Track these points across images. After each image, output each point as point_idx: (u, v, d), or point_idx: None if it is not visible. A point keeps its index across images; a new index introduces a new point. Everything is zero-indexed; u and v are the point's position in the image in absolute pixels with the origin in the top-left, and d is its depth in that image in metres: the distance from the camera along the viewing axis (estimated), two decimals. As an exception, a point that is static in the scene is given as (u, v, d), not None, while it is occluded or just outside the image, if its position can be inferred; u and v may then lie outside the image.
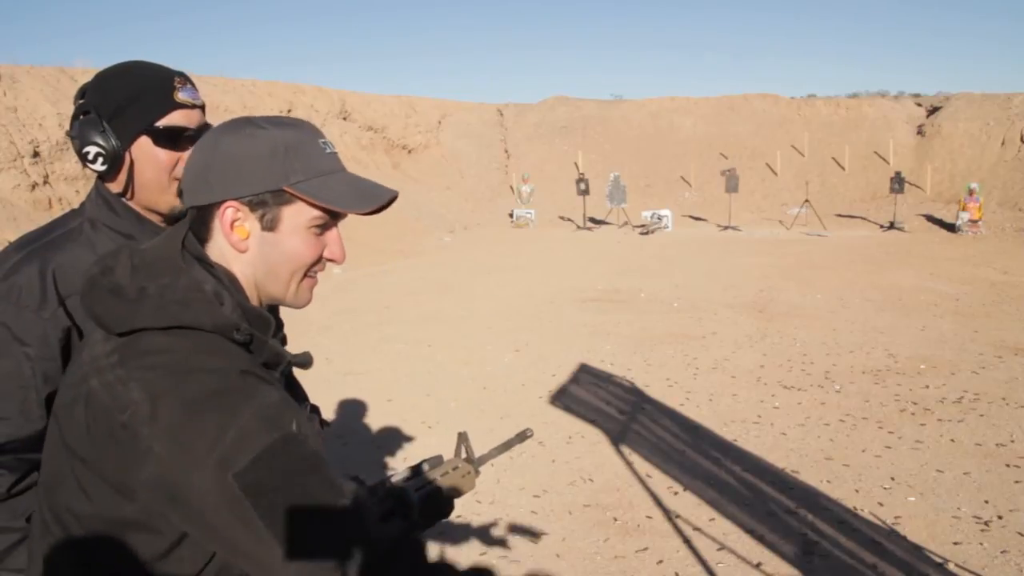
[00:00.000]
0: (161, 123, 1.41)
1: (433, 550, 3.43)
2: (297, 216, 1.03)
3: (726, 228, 18.05)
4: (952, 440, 4.61)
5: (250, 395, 0.91)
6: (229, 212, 1.01)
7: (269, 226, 1.03)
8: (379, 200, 1.08)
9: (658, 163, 22.62)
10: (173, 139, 1.43)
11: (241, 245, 1.03)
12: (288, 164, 1.02)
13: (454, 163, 23.40)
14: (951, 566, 3.20)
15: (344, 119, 20.44)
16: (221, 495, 0.86)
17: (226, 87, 16.84)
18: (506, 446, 1.39)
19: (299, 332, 7.76)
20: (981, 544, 3.37)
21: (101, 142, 1.39)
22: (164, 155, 1.43)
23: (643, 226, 18.18)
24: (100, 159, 1.40)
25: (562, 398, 5.61)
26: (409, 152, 22.45)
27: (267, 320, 1.02)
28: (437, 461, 1.32)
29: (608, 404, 5.48)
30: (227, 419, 0.87)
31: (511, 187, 22.25)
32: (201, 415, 0.88)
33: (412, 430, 4.98)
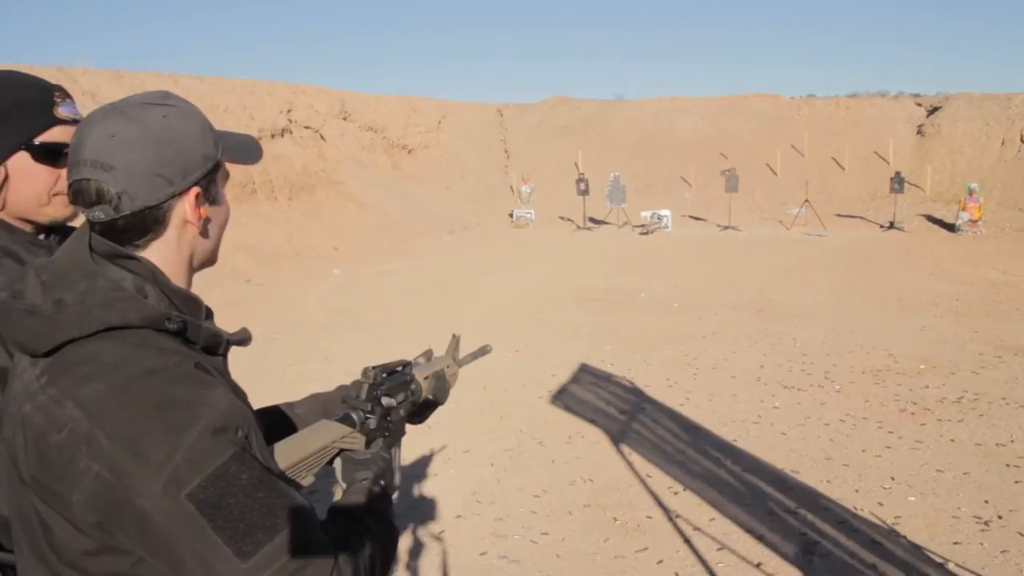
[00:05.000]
0: (40, 139, 1.35)
1: (434, 549, 3.43)
2: (222, 180, 1.05)
3: (726, 228, 18.04)
4: (952, 440, 4.61)
5: (197, 405, 0.87)
6: (194, 199, 0.99)
7: (214, 199, 1.03)
8: (258, 150, 1.11)
9: (658, 163, 22.61)
10: (53, 155, 1.36)
11: (202, 227, 1.01)
12: (213, 133, 1.03)
13: (454, 163, 23.39)
14: (951, 566, 3.20)
15: (344, 119, 20.42)
16: (172, 514, 0.83)
17: (226, 87, 16.85)
18: (472, 356, 1.54)
19: (300, 333, 7.81)
20: (981, 544, 3.37)
21: None
22: (44, 172, 1.37)
23: (643, 226, 18.17)
24: None
25: (562, 398, 5.61)
26: (409, 152, 22.44)
27: (197, 302, 1.00)
28: (428, 355, 1.42)
29: (608, 404, 5.48)
30: (175, 438, 0.84)
31: (511, 187, 22.24)
32: (146, 435, 0.84)
33: (412, 430, 4.98)
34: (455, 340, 1.48)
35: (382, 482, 1.10)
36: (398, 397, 1.23)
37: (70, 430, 0.85)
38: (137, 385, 0.86)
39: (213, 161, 1.01)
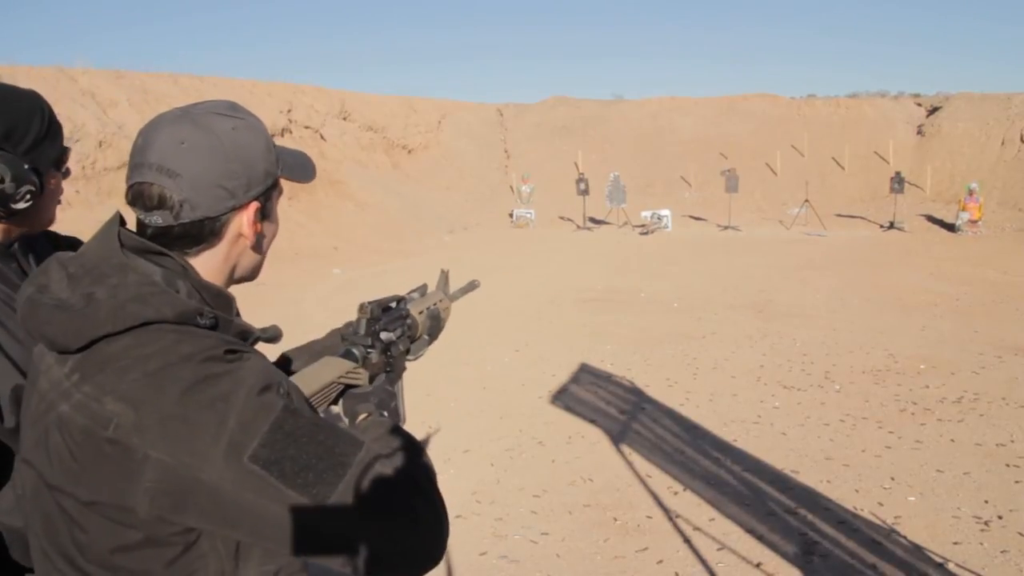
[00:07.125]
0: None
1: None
2: (277, 197, 1.06)
3: (726, 228, 18.05)
4: (952, 440, 4.61)
5: (235, 373, 0.86)
6: (253, 214, 0.99)
7: (268, 215, 1.04)
8: (312, 168, 1.12)
9: (658, 163, 22.61)
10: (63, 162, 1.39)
11: (255, 242, 1.02)
12: (276, 150, 1.03)
13: (454, 163, 23.39)
14: (951, 566, 3.20)
15: (344, 119, 20.43)
16: (239, 480, 0.83)
17: (226, 87, 16.85)
18: (461, 291, 1.55)
19: (300, 332, 7.79)
20: (981, 544, 3.37)
21: (33, 179, 1.29)
22: (60, 183, 1.40)
23: (643, 226, 18.18)
24: (29, 196, 1.29)
25: (562, 398, 5.61)
26: (409, 152, 22.45)
27: (228, 298, 0.99)
28: (423, 290, 1.44)
29: (608, 404, 5.47)
30: (223, 407, 0.83)
31: (511, 187, 22.25)
32: (193, 410, 0.83)
33: (412, 429, 4.97)
34: (444, 275, 1.50)
35: (385, 413, 1.11)
36: (396, 331, 1.24)
37: (117, 424, 0.84)
38: (174, 368, 0.85)
39: (273, 177, 1.02)
